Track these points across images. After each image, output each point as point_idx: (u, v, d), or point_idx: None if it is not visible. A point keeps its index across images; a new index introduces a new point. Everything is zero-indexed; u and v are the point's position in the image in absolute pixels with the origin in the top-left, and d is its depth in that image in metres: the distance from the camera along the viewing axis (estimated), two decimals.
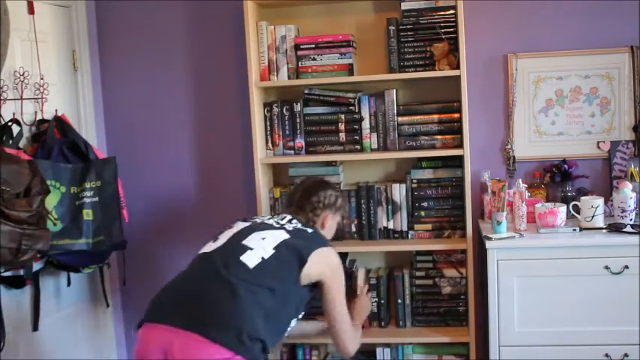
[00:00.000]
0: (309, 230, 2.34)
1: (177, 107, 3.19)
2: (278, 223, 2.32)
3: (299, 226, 2.33)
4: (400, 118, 2.88)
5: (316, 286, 2.29)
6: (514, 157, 2.97)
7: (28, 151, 2.64)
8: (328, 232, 2.50)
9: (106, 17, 3.19)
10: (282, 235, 2.21)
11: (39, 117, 2.75)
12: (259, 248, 2.14)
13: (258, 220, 2.33)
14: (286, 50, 2.89)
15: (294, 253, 2.17)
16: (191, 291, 2.05)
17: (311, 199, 2.46)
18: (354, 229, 2.92)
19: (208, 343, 1.91)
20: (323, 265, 2.24)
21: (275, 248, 2.15)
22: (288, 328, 2.23)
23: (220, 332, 1.93)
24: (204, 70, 3.17)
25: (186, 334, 1.92)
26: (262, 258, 2.11)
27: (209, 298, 2.00)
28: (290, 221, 2.34)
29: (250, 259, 2.10)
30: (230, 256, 2.11)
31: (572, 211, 2.69)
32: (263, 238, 2.18)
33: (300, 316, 2.29)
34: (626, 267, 2.50)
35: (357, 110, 2.88)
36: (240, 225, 2.30)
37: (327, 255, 2.27)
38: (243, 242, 2.16)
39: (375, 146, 2.89)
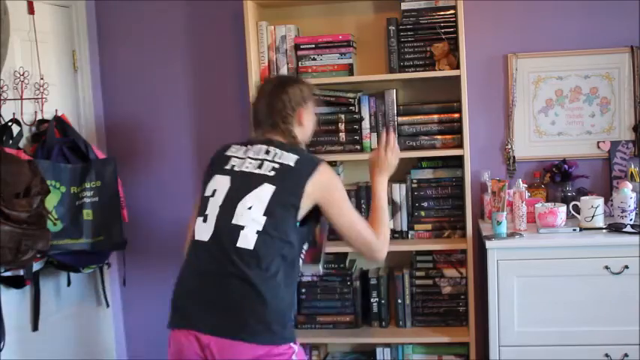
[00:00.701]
0: (292, 161, 2.05)
1: (177, 107, 3.19)
2: (257, 161, 2.07)
3: (278, 158, 2.06)
4: (400, 118, 2.88)
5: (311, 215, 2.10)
6: (514, 157, 2.97)
7: (28, 151, 2.64)
8: (307, 128, 2.23)
9: (106, 17, 3.19)
10: (267, 191, 2.01)
11: (39, 117, 2.75)
12: (250, 222, 1.98)
13: (236, 167, 2.08)
14: (286, 50, 2.89)
15: (285, 204, 2.01)
16: (211, 293, 1.98)
17: (276, 108, 2.15)
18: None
19: (242, 344, 1.91)
20: (316, 195, 2.05)
21: (266, 214, 1.99)
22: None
23: (251, 332, 1.92)
24: (204, 70, 3.17)
25: (218, 340, 1.93)
26: (257, 232, 1.97)
27: (231, 300, 1.95)
28: (267, 152, 2.08)
29: (247, 240, 1.96)
30: (229, 247, 1.98)
31: (572, 211, 2.69)
32: (249, 208, 1.99)
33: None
34: (626, 267, 2.50)
35: (357, 110, 2.88)
36: (221, 186, 2.06)
37: (317, 182, 2.04)
38: (234, 222, 1.99)
39: (375, 146, 2.89)
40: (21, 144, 2.62)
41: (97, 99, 3.19)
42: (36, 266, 2.57)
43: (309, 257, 2.25)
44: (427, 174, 2.88)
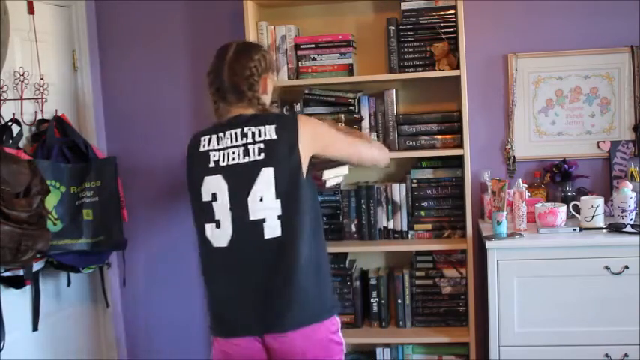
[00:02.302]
0: (272, 133, 2.01)
1: (177, 107, 3.19)
2: (238, 148, 2.01)
3: (258, 136, 2.01)
4: (400, 118, 2.88)
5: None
6: (514, 157, 2.97)
7: (28, 151, 2.64)
8: (269, 96, 2.18)
9: (106, 17, 3.19)
10: (268, 175, 1.97)
11: (39, 117, 2.75)
12: (267, 212, 1.97)
13: (221, 162, 2.01)
14: (286, 50, 2.89)
15: (290, 176, 1.99)
16: (253, 295, 1.99)
17: (243, 76, 2.08)
18: (354, 229, 2.92)
19: (299, 331, 1.97)
20: (310, 147, 2.03)
21: (278, 197, 1.97)
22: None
23: (303, 317, 1.98)
24: (204, 70, 3.13)
25: (277, 336, 1.97)
26: (278, 217, 1.97)
27: (275, 295, 1.97)
28: (244, 135, 2.02)
29: (273, 230, 1.97)
30: (256, 243, 1.97)
31: (572, 211, 2.69)
32: (261, 200, 1.97)
33: None
34: (626, 267, 2.50)
35: (357, 110, 2.88)
36: (218, 188, 2.01)
37: (305, 138, 2.02)
38: (252, 219, 1.97)
39: None
40: (21, 144, 2.62)
41: (97, 99, 3.19)
42: (36, 266, 2.57)
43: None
44: (427, 174, 2.88)
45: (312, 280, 2.00)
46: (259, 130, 2.01)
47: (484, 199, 2.92)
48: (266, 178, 1.98)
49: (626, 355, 2.53)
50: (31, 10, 2.72)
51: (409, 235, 2.91)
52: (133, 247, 3.09)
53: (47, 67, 2.84)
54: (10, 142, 2.52)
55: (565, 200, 2.83)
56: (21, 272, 2.51)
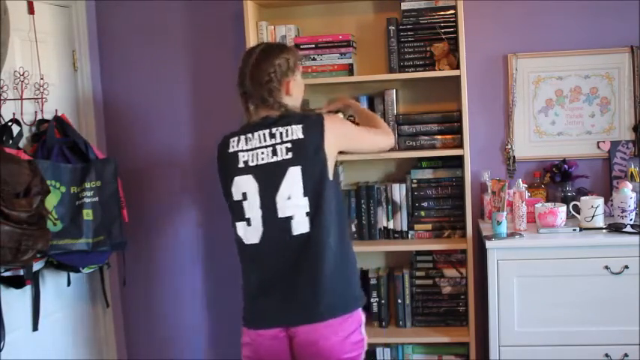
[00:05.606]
0: (299, 132, 2.04)
1: (177, 107, 3.19)
2: (267, 148, 2.05)
3: (286, 136, 2.04)
4: (400, 118, 2.88)
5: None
6: (514, 157, 2.97)
7: (28, 151, 2.64)
8: (297, 97, 2.20)
9: (106, 17, 3.19)
10: (295, 174, 2.02)
11: (39, 117, 2.75)
12: (295, 209, 2.02)
13: (250, 162, 2.06)
14: None
15: (316, 175, 2.03)
16: (283, 288, 2.05)
17: (262, 81, 2.09)
18: (353, 229, 2.92)
19: (327, 323, 2.02)
20: (336, 146, 2.08)
21: (305, 194, 2.02)
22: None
23: (331, 309, 2.02)
24: (204, 70, 3.17)
25: (305, 328, 2.02)
26: (307, 213, 2.02)
27: (304, 288, 2.03)
28: (272, 136, 2.05)
29: (301, 226, 2.02)
30: (286, 240, 2.03)
31: (572, 211, 2.69)
32: (289, 198, 2.02)
33: None
34: (626, 267, 2.50)
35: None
36: (248, 187, 2.06)
37: (331, 137, 2.06)
38: (280, 216, 2.03)
39: None
40: (21, 144, 2.62)
41: (97, 99, 3.19)
42: (36, 266, 2.57)
43: None
44: (427, 174, 2.88)
45: (339, 274, 2.05)
46: (287, 130, 2.05)
47: (484, 199, 2.92)
48: (293, 176, 2.03)
49: (626, 355, 2.53)
50: (31, 10, 2.72)
51: (409, 235, 2.91)
52: (133, 247, 3.09)
53: (47, 67, 2.83)
54: (10, 142, 2.52)
55: (565, 200, 2.83)
56: (21, 272, 2.51)
